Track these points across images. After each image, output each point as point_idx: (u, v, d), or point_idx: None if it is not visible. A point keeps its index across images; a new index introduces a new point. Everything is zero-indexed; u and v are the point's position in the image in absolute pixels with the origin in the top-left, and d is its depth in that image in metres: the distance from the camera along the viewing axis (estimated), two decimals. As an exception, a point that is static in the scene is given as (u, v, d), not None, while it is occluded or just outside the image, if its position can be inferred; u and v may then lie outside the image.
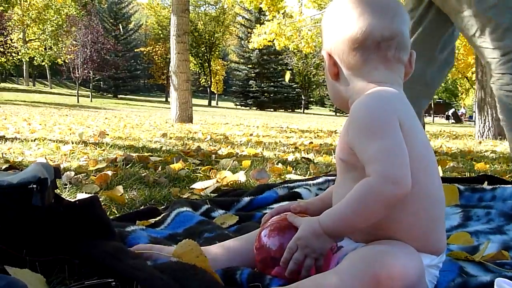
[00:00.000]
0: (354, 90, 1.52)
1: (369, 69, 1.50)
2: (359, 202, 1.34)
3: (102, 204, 2.22)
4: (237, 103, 78.97)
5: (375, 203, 1.33)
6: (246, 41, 50.39)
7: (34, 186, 1.52)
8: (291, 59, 72.19)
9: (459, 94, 69.13)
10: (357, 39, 1.48)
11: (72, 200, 2.35)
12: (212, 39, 76.34)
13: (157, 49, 75.88)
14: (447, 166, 4.43)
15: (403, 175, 1.31)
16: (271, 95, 75.57)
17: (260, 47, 25.36)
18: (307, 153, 5.72)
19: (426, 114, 54.44)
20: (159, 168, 3.89)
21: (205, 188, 3.11)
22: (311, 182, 3.08)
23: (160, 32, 77.22)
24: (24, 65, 65.29)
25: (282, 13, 22.15)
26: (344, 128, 1.51)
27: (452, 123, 55.35)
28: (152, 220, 2.26)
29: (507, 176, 3.87)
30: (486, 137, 10.63)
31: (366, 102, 1.43)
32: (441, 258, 1.48)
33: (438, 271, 1.48)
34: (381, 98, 1.43)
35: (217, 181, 3.30)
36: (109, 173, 3.28)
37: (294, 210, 1.62)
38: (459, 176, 3.75)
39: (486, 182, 3.06)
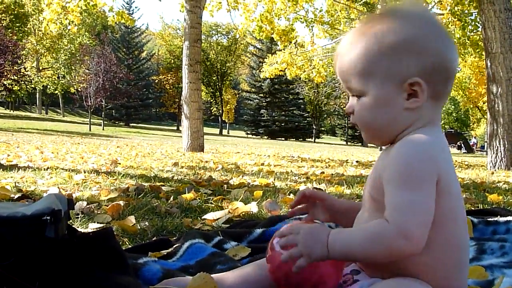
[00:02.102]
0: (409, 124, 1.44)
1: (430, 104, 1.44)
2: (370, 241, 1.34)
3: (114, 234, 2.22)
4: (248, 132, 79.16)
5: (381, 248, 1.32)
6: (258, 71, 50.74)
7: (48, 217, 1.52)
8: (302, 88, 72.44)
9: (471, 124, 69.04)
10: (451, 69, 1.43)
11: (85, 231, 2.35)
12: (224, 68, 76.81)
13: (169, 78, 76.40)
14: (459, 198, 4.40)
15: (419, 234, 1.29)
16: (282, 124, 75.77)
17: (272, 77, 25.47)
18: (319, 183, 5.70)
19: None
20: (171, 198, 3.89)
21: (217, 219, 3.11)
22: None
23: (172, 61, 77.77)
24: (37, 93, 65.91)
25: (294, 43, 22.24)
26: (379, 164, 1.48)
27: (464, 153, 55.10)
28: (164, 252, 2.26)
29: (520, 208, 3.84)
30: (498, 168, 10.56)
31: (410, 148, 1.38)
32: None
33: None
34: (425, 148, 1.37)
35: (229, 212, 3.29)
36: (121, 203, 3.28)
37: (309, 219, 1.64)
38: (473, 208, 3.72)
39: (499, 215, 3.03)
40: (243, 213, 3.38)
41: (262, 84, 75.28)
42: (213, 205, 3.67)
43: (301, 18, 21.62)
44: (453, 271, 1.42)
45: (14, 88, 47.23)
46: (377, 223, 1.34)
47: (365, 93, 1.45)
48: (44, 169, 5.95)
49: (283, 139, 72.04)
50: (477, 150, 60.23)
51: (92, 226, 2.75)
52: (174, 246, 2.32)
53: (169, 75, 76.73)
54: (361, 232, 1.37)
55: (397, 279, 1.36)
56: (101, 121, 55.44)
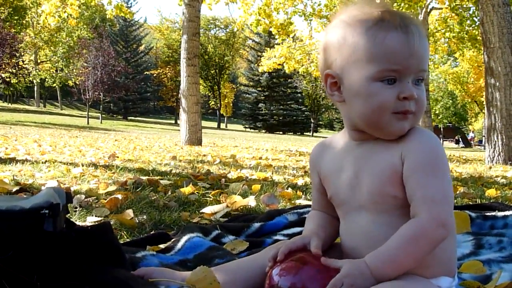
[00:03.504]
0: None
1: None
2: (412, 244, 1.34)
3: (113, 228, 2.22)
4: (246, 126, 79.15)
5: (427, 245, 1.35)
6: (256, 64, 50.67)
7: (46, 211, 1.52)
8: (300, 82, 72.41)
9: (469, 118, 69.05)
10: None
11: (83, 225, 2.35)
12: (222, 62, 76.74)
13: (167, 71, 76.29)
14: (457, 192, 4.40)
15: (452, 221, 1.38)
16: (280, 118, 75.77)
17: (270, 70, 25.49)
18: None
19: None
20: (169, 192, 3.89)
21: (215, 213, 3.10)
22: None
23: (170, 54, 77.64)
24: (35, 86, 65.76)
25: (292, 37, 22.23)
26: (389, 158, 1.45)
27: (462, 147, 55.18)
28: (162, 246, 2.26)
29: (518, 203, 3.84)
30: (496, 162, 10.57)
31: (432, 139, 1.43)
32: (455, 279, 1.53)
33: None
34: (439, 140, 1.45)
35: (227, 206, 3.29)
36: (119, 196, 3.28)
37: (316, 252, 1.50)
38: (470, 203, 3.73)
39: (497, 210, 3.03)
40: (241, 207, 3.38)
41: (260, 78, 75.24)
42: (211, 199, 3.67)
43: (300, 12, 21.63)
44: (450, 256, 1.49)
45: (12, 81, 47.10)
46: (411, 225, 1.36)
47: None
48: (42, 162, 5.94)
49: (281, 133, 72.06)
50: (475, 145, 60.41)
51: (90, 220, 2.75)
52: (172, 240, 2.32)
53: (167, 68, 76.61)
54: (399, 242, 1.36)
55: (395, 281, 1.37)
56: (99, 114, 55.33)
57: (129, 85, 61.46)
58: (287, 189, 4.33)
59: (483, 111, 40.48)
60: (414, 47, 1.41)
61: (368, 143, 1.53)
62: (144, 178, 4.57)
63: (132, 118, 71.60)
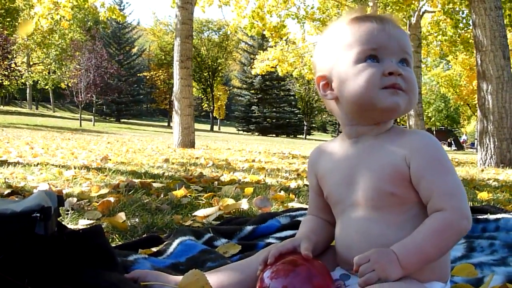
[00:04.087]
0: None
1: None
2: (438, 236, 1.36)
3: (104, 231, 2.21)
4: (239, 128, 79.13)
5: (453, 237, 1.38)
6: (249, 67, 50.65)
7: (38, 214, 1.52)
8: (293, 85, 72.51)
9: (461, 121, 69.27)
10: None
11: (75, 228, 2.34)
12: (215, 64, 76.70)
13: (160, 74, 76.24)
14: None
15: (469, 211, 1.38)
16: (273, 120, 75.80)
17: (263, 73, 25.53)
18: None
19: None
20: (162, 195, 3.89)
21: (208, 216, 3.10)
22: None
23: (163, 57, 77.56)
24: (28, 88, 65.60)
25: (285, 40, 22.26)
26: (390, 157, 1.48)
27: (454, 150, 55.29)
28: (155, 249, 2.26)
29: (509, 206, 3.86)
30: (488, 165, 10.60)
31: (431, 137, 1.49)
32: (448, 285, 1.53)
33: None
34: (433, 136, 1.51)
35: (220, 209, 3.29)
36: (112, 199, 3.28)
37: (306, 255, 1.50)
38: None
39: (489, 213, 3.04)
40: (234, 210, 3.38)
41: (253, 80, 75.29)
42: (203, 202, 3.67)
43: (293, 15, 21.65)
44: (443, 261, 1.49)
45: (4, 83, 47.03)
46: (436, 217, 1.38)
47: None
48: (34, 165, 5.92)
49: (274, 135, 72.11)
50: (467, 147, 60.48)
51: (82, 223, 2.74)
52: (165, 243, 2.32)
53: (160, 71, 76.60)
54: (426, 233, 1.37)
55: (390, 283, 1.36)
56: (92, 116, 55.22)
57: (122, 87, 61.36)
58: (280, 192, 4.33)
59: (475, 114, 40.61)
60: (390, 31, 1.52)
61: (365, 142, 1.56)
62: (137, 181, 4.57)
63: (125, 120, 71.51)
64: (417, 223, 1.41)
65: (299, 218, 2.89)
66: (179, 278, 1.64)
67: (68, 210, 3.01)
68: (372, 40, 1.50)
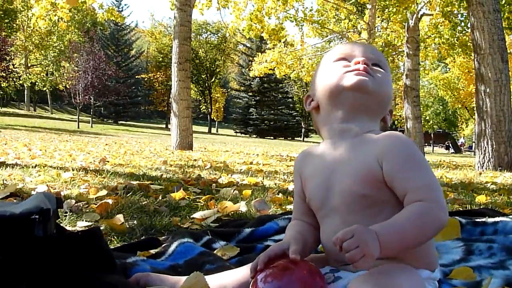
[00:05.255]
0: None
1: None
2: (417, 220, 1.37)
3: (103, 233, 2.21)
4: (237, 131, 79.08)
5: (432, 224, 1.39)
6: (247, 69, 50.71)
7: (37, 217, 1.52)
8: (291, 87, 72.58)
9: (459, 124, 69.30)
10: None
11: (74, 230, 2.34)
12: (213, 66, 76.66)
13: (158, 76, 76.19)
14: (448, 198, 4.42)
15: (446, 206, 1.41)
16: (271, 123, 75.73)
17: (261, 75, 25.51)
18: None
19: (426, 144, 54.50)
20: (160, 197, 3.89)
21: (206, 218, 3.10)
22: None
23: (161, 59, 77.51)
24: (26, 90, 65.47)
25: (283, 42, 22.28)
26: (363, 159, 1.52)
27: (452, 153, 55.34)
28: (153, 251, 2.25)
29: (507, 210, 3.86)
30: (486, 168, 10.61)
31: (403, 137, 1.53)
32: (436, 273, 1.57)
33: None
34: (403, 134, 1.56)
35: (218, 211, 3.29)
36: (110, 201, 3.28)
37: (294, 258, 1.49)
38: (461, 209, 3.74)
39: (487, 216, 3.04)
40: (232, 212, 3.38)
41: (252, 82, 75.25)
42: (201, 204, 3.66)
43: (291, 17, 21.65)
44: (429, 250, 1.55)
45: (2, 85, 47.02)
46: (417, 206, 1.39)
47: None
48: (32, 166, 5.92)
49: (272, 138, 72.05)
50: (465, 150, 60.59)
51: (81, 225, 2.74)
52: (163, 246, 2.31)
53: (159, 73, 76.53)
54: (407, 218, 1.38)
55: (380, 268, 1.38)
56: (90, 118, 55.16)
57: (120, 89, 61.30)
58: (278, 195, 4.33)
59: (473, 117, 40.63)
60: (354, 45, 1.73)
61: (342, 145, 1.60)
62: (135, 183, 4.56)
63: (123, 122, 71.46)
64: None
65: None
66: (179, 279, 1.65)
67: (66, 212, 3.01)
68: (342, 48, 1.72)
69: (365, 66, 1.61)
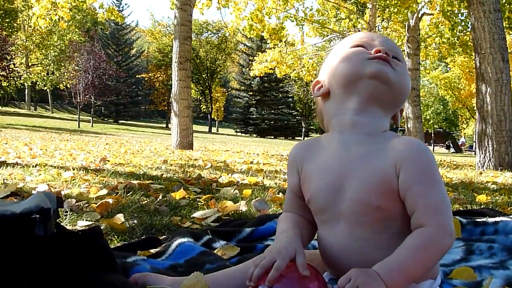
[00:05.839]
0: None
1: None
2: (421, 253, 1.33)
3: (103, 232, 2.21)
4: (237, 130, 79.13)
5: (436, 254, 1.35)
6: (247, 69, 50.68)
7: (37, 216, 1.52)
8: (291, 87, 72.59)
9: (459, 123, 69.25)
10: None
11: (74, 229, 2.34)
12: (214, 66, 76.71)
13: (158, 75, 76.22)
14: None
15: (453, 227, 1.36)
16: (272, 122, 75.75)
17: (261, 75, 25.48)
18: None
19: (427, 144, 54.47)
20: (160, 196, 3.88)
21: (206, 218, 3.10)
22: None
23: (161, 58, 77.52)
24: (26, 89, 65.47)
25: (284, 41, 22.25)
26: (380, 165, 1.44)
27: (452, 152, 55.32)
28: (153, 250, 2.25)
29: (508, 209, 3.86)
30: (486, 168, 10.60)
31: (423, 144, 1.46)
32: (438, 280, 1.54)
33: None
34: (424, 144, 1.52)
35: (218, 211, 3.28)
36: (110, 200, 3.27)
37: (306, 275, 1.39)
38: (461, 209, 3.73)
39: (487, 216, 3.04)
40: (232, 212, 3.38)
41: (252, 82, 75.27)
42: (202, 204, 3.66)
43: (292, 17, 21.63)
44: None
45: (3, 84, 47.00)
46: (419, 234, 1.35)
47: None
48: (33, 166, 5.91)
49: (272, 137, 72.09)
50: (465, 150, 60.55)
51: (81, 224, 2.74)
52: (163, 245, 2.31)
53: (159, 72, 76.56)
54: (409, 251, 1.34)
55: None
56: (90, 117, 55.17)
57: (120, 88, 61.41)
58: (278, 194, 4.32)
59: (474, 116, 40.60)
60: (375, 34, 1.69)
61: (356, 142, 1.51)
62: (135, 182, 4.56)
63: (123, 121, 71.51)
64: (398, 242, 1.36)
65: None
66: (178, 279, 1.64)
67: (66, 211, 3.01)
68: (361, 36, 1.66)
69: (386, 55, 1.54)
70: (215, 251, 2.27)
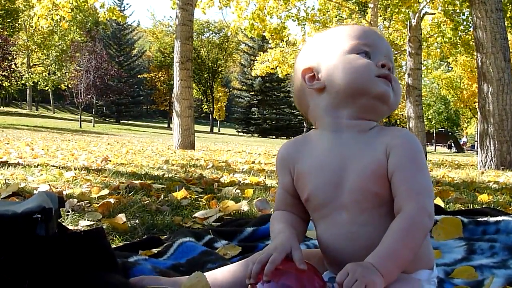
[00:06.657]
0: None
1: None
2: (406, 235, 1.35)
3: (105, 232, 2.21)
4: (239, 130, 79.18)
5: (419, 234, 1.37)
6: (249, 69, 50.72)
7: (39, 216, 1.52)
8: (293, 86, 72.68)
9: (461, 123, 69.18)
10: None
11: (76, 229, 2.34)
12: (215, 66, 76.73)
13: (160, 75, 76.28)
14: (449, 197, 4.41)
15: (433, 209, 1.40)
16: (273, 122, 75.80)
17: (263, 75, 25.50)
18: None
19: (428, 143, 54.46)
20: (162, 196, 3.88)
21: (208, 217, 3.10)
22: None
23: (163, 59, 77.56)
24: (28, 89, 65.57)
25: (285, 41, 22.26)
26: (373, 153, 1.47)
27: (454, 152, 55.28)
28: (155, 250, 2.25)
29: (510, 208, 3.86)
30: (488, 167, 10.59)
31: (411, 134, 1.53)
32: (435, 271, 1.55)
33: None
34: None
35: (220, 210, 3.28)
36: (112, 200, 3.28)
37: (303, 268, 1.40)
38: (463, 208, 3.73)
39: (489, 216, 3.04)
40: (234, 211, 3.38)
41: (253, 82, 75.33)
42: (203, 203, 3.66)
43: (293, 16, 21.64)
44: (426, 249, 1.53)
45: (4, 84, 47.05)
46: (400, 219, 1.38)
47: None
48: (35, 166, 5.92)
49: (274, 137, 72.12)
50: (467, 150, 60.47)
51: (83, 224, 2.75)
52: (165, 245, 2.31)
53: (160, 72, 76.63)
54: (394, 237, 1.36)
55: None
56: (92, 118, 55.24)
57: (122, 88, 61.42)
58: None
59: (475, 116, 40.54)
60: (379, 34, 1.63)
61: (350, 139, 1.53)
62: (137, 182, 4.56)
63: (125, 121, 71.56)
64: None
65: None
66: (177, 280, 1.64)
67: (68, 211, 3.01)
68: (365, 36, 1.58)
69: (390, 73, 1.54)
70: (216, 251, 2.27)
